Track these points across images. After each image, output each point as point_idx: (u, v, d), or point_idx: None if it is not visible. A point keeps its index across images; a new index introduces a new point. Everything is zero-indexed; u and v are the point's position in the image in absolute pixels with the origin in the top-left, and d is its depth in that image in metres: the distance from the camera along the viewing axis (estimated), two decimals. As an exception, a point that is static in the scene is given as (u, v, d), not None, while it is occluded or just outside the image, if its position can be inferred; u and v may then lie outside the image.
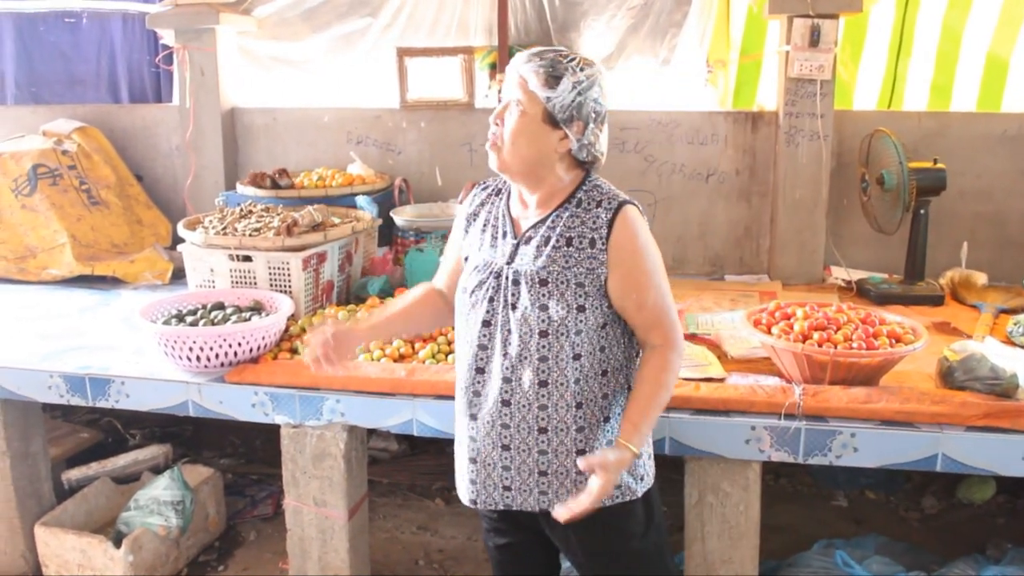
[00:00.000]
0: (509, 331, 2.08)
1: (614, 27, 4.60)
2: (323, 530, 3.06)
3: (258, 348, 3.05)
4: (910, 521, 4.00)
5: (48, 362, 3.17)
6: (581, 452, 2.09)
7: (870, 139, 3.94)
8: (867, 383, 2.70)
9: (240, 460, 4.61)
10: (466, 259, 2.25)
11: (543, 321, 2.04)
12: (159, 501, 3.49)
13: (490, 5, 4.61)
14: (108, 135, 4.92)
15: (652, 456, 2.27)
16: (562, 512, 1.98)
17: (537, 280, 2.05)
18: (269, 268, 3.37)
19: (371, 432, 4.15)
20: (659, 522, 2.29)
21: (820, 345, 2.69)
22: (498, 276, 2.11)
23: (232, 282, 3.44)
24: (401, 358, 3.04)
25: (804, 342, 2.70)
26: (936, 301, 3.80)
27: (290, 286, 3.37)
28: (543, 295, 2.04)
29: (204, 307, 3.25)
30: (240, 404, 2.96)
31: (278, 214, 3.62)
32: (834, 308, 2.91)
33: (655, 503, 2.28)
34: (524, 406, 2.09)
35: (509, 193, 2.23)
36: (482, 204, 2.26)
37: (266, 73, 5.04)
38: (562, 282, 2.04)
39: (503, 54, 4.50)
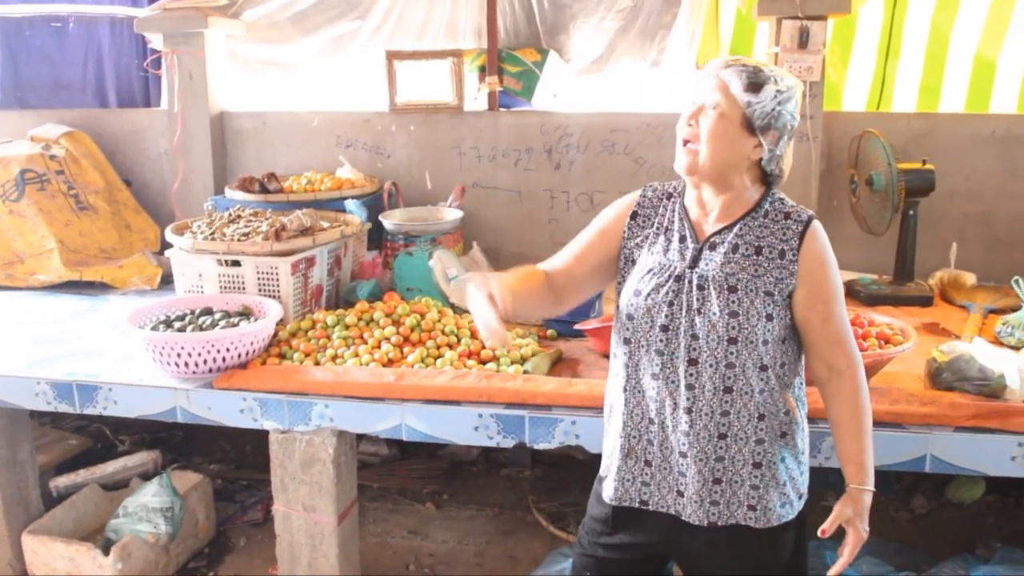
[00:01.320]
0: (694, 336, 2.03)
1: (603, 29, 4.60)
2: (313, 535, 3.05)
3: (247, 353, 3.04)
4: (900, 521, 4.01)
5: (35, 369, 3.15)
6: (757, 465, 2.07)
7: (859, 140, 3.95)
8: (856, 385, 2.70)
9: (230, 466, 4.60)
10: (626, 260, 2.19)
11: (733, 328, 2.00)
12: (148, 508, 3.47)
13: (479, 8, 4.61)
14: (96, 140, 4.91)
15: (806, 475, 2.21)
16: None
17: (726, 286, 2.02)
18: (258, 273, 3.36)
19: (361, 437, 4.15)
20: (805, 552, 2.22)
21: (809, 347, 2.69)
22: (679, 280, 2.07)
23: (220, 287, 3.43)
24: (390, 362, 3.03)
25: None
26: (925, 302, 3.81)
27: (279, 291, 3.35)
28: (732, 301, 2.01)
29: (192, 312, 3.24)
30: (229, 410, 2.94)
31: (267, 219, 3.61)
32: (823, 310, 2.92)
33: (805, 531, 2.22)
34: (707, 413, 2.05)
35: (682, 197, 2.18)
36: (651, 206, 2.21)
37: (255, 77, 5.03)
38: (751, 290, 2.02)
39: (492, 57, 4.50)
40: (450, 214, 4.19)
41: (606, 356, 3.09)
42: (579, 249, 2.26)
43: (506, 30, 4.69)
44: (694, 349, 2.03)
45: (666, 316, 2.05)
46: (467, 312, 3.48)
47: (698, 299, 2.03)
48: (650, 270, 2.11)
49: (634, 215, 2.20)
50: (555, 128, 4.44)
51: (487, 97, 4.58)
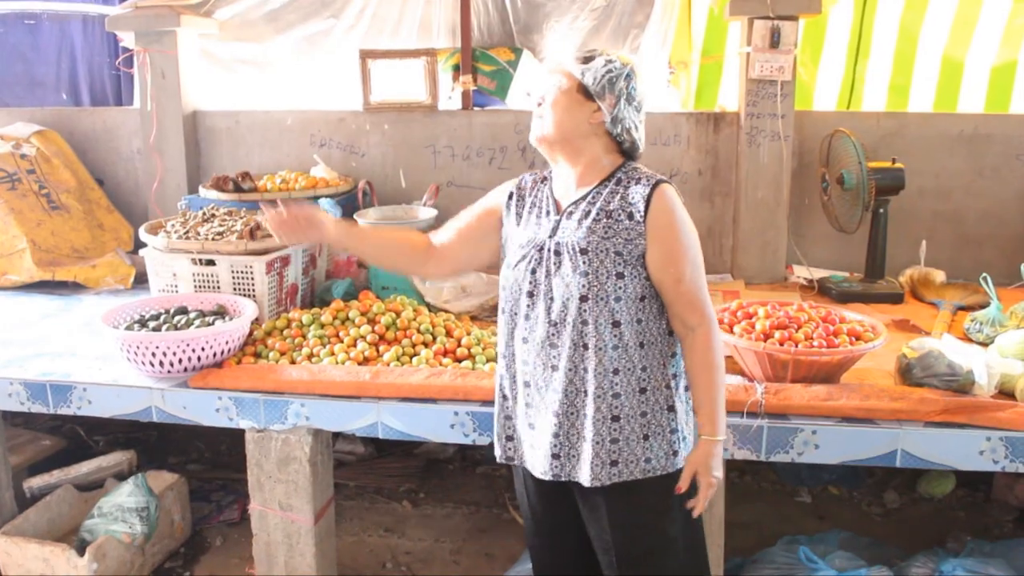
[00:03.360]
0: (552, 299, 2.19)
1: (577, 28, 4.62)
2: (289, 534, 3.05)
3: (222, 352, 3.03)
4: (872, 516, 4.05)
5: (8, 369, 3.14)
6: (616, 419, 2.18)
7: (830, 139, 3.99)
8: (828, 381, 2.73)
9: (206, 465, 4.58)
10: (506, 240, 2.37)
11: (583, 287, 2.14)
12: (123, 508, 3.45)
13: (453, 7, 4.62)
14: (68, 138, 4.88)
15: (690, 438, 2.28)
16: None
17: (578, 249, 2.16)
18: (232, 272, 3.36)
19: (337, 435, 4.15)
20: (688, 511, 2.26)
21: (781, 344, 2.73)
22: (540, 249, 2.23)
23: (195, 286, 3.42)
24: (365, 361, 3.04)
25: (766, 341, 2.75)
26: (896, 299, 3.86)
27: (254, 290, 3.35)
28: (583, 262, 2.15)
29: (167, 312, 3.23)
30: (204, 409, 2.94)
31: (241, 218, 3.60)
32: (795, 307, 2.96)
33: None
34: (570, 369, 2.18)
35: (552, 180, 2.35)
36: (528, 188, 2.39)
37: (229, 75, 5.01)
38: (601, 251, 2.15)
39: (466, 56, 4.51)
40: (424, 213, 4.19)
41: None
42: (461, 225, 2.47)
43: (480, 29, 4.70)
44: (552, 311, 2.19)
45: (530, 283, 2.23)
46: (443, 310, 3.51)
47: (555, 264, 2.19)
48: (520, 244, 2.28)
49: (511, 196, 2.39)
50: (529, 127, 4.43)
51: (461, 96, 4.60)
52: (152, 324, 3.11)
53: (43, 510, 3.58)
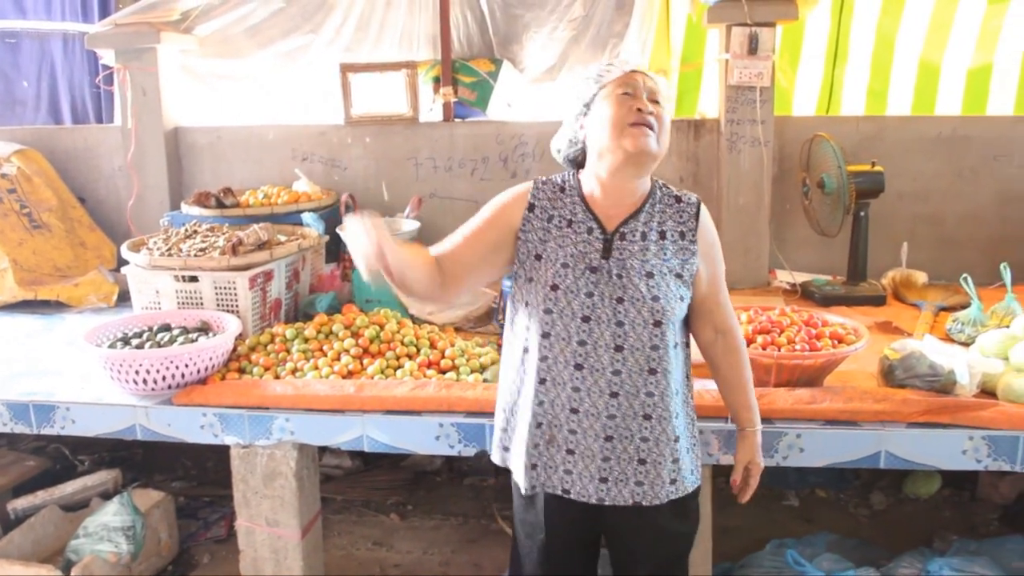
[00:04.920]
0: (618, 324, 2.10)
1: (556, 39, 4.65)
2: (276, 550, 3.04)
3: (206, 369, 3.02)
4: (859, 518, 4.07)
5: (-9, 390, 3.12)
6: (677, 439, 2.20)
7: (810, 144, 4.01)
8: (811, 384, 2.75)
9: (192, 482, 4.56)
10: (528, 254, 2.19)
11: (657, 312, 2.10)
12: (109, 527, 3.44)
13: (432, 19, 4.64)
14: (49, 157, 4.86)
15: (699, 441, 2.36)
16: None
17: (644, 272, 2.12)
18: (215, 288, 3.35)
19: (324, 449, 4.13)
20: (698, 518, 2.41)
21: (764, 348, 2.75)
22: (595, 271, 2.13)
23: (178, 303, 3.41)
24: (350, 374, 3.03)
25: (749, 346, 2.75)
26: (878, 301, 3.88)
27: (237, 305, 3.34)
28: (652, 287, 2.11)
29: (150, 329, 3.22)
30: (189, 426, 2.93)
31: (223, 233, 3.60)
32: (777, 311, 2.98)
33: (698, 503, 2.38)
34: (631, 394, 2.13)
35: (578, 189, 2.22)
36: (547, 198, 2.22)
37: (210, 91, 5.01)
38: (664, 273, 2.13)
39: (446, 68, 4.52)
40: (407, 225, 4.19)
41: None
42: (469, 235, 2.25)
43: (460, 41, 4.72)
44: (619, 336, 2.10)
45: (587, 307, 2.11)
46: (427, 322, 3.51)
47: (619, 287, 2.11)
48: (564, 264, 2.14)
49: (531, 207, 2.21)
50: (510, 137, 4.47)
51: (442, 108, 4.61)
52: (135, 342, 3.10)
53: (28, 531, 3.56)
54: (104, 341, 3.14)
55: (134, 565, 3.51)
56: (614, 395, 2.13)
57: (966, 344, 3.16)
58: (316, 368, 3.05)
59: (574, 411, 2.16)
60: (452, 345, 3.20)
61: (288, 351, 3.19)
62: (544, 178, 2.27)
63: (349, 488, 4.38)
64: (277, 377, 3.05)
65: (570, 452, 2.18)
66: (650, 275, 2.11)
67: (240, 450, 2.94)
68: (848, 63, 4.62)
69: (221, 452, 3.04)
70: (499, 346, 3.36)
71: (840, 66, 4.62)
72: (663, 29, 4.66)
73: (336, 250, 4.15)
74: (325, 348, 3.18)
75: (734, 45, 4.03)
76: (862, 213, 3.91)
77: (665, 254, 2.14)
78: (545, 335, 2.15)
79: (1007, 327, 3.03)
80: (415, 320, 3.51)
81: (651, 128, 2.07)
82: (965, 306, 3.41)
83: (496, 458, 2.37)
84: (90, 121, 5.27)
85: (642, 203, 2.18)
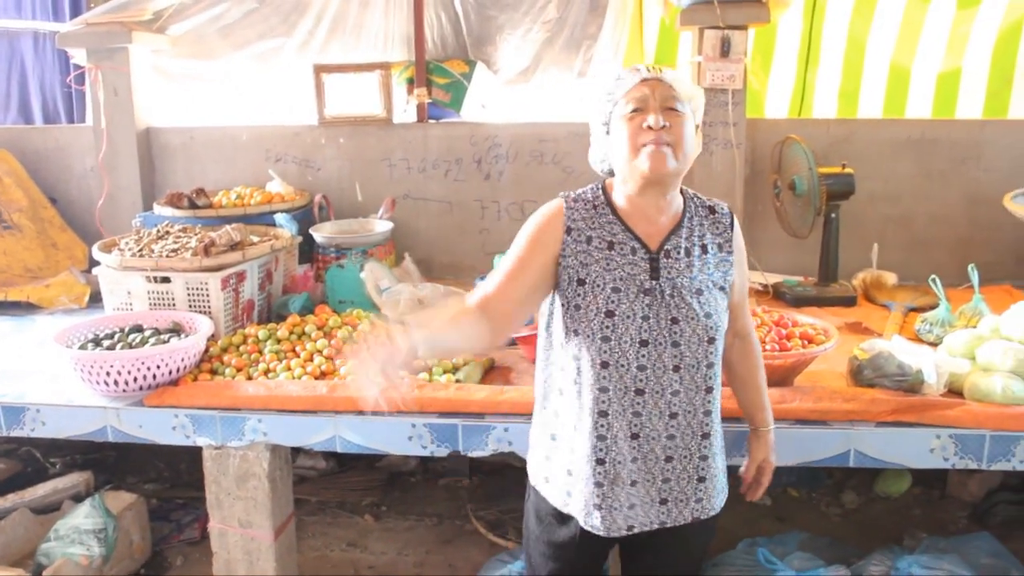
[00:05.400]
0: (675, 344, 2.05)
1: (530, 40, 4.66)
2: (249, 551, 3.03)
3: (177, 370, 3.01)
4: (831, 516, 4.11)
5: (-41, 392, 3.09)
6: (717, 455, 2.20)
7: (781, 146, 4.04)
8: (781, 384, 2.77)
9: (165, 485, 4.53)
10: (571, 280, 2.07)
11: (711, 328, 2.07)
12: (80, 530, 3.41)
13: (407, 20, 4.64)
14: (20, 157, 4.82)
15: None
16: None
17: (694, 290, 2.07)
18: (187, 289, 3.33)
19: (298, 451, 4.13)
20: None
21: (735, 348, 2.76)
22: (648, 292, 2.04)
23: (150, 304, 3.39)
24: (322, 375, 3.03)
25: (719, 346, 2.77)
26: (849, 302, 3.92)
27: (209, 306, 3.33)
28: (704, 303, 2.07)
29: (122, 330, 3.20)
30: (161, 428, 2.91)
31: (196, 234, 3.58)
32: (748, 312, 2.99)
33: None
34: (689, 412, 2.10)
35: (609, 206, 2.13)
36: (580, 219, 2.10)
37: (183, 91, 4.98)
38: (710, 288, 2.10)
39: (420, 69, 4.53)
40: (381, 226, 4.20)
41: (538, 363, 3.13)
42: (511, 271, 2.10)
43: (434, 42, 4.73)
44: (676, 356, 2.05)
45: (644, 331, 2.03)
46: (401, 324, 3.50)
47: (673, 307, 2.05)
48: (615, 288, 2.04)
49: (568, 230, 2.09)
50: (484, 139, 4.48)
51: (416, 109, 4.61)
52: (106, 343, 3.08)
53: (-2, 534, 3.53)
54: (75, 342, 3.12)
55: (106, 568, 3.49)
56: (673, 416, 2.08)
57: (935, 344, 3.20)
58: (289, 369, 3.05)
59: (634, 436, 2.08)
60: (425, 346, 3.19)
61: (261, 352, 3.19)
62: (572, 194, 2.15)
63: (323, 489, 4.37)
64: (249, 378, 3.04)
65: (634, 484, 2.10)
66: (699, 292, 2.07)
67: (212, 451, 2.94)
68: (820, 66, 4.66)
69: (194, 454, 3.03)
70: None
71: (812, 69, 4.66)
72: (636, 31, 4.68)
73: (310, 251, 4.14)
74: (298, 349, 3.18)
75: (706, 48, 4.06)
76: (833, 215, 3.94)
77: (708, 268, 2.11)
78: (604, 364, 2.05)
79: (974, 327, 3.08)
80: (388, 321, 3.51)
81: (667, 144, 1.99)
82: (934, 307, 3.45)
83: (538, 484, 2.27)
84: (61, 121, 5.23)
85: (680, 218, 2.12)
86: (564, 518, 2.20)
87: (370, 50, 4.76)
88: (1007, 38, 4.45)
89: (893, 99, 4.64)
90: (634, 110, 2.02)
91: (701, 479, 2.15)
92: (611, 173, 2.17)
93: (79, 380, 2.99)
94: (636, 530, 2.13)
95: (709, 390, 2.11)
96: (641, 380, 2.05)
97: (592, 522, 2.12)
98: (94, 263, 3.56)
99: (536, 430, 2.28)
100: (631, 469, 2.09)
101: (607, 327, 2.03)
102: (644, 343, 2.04)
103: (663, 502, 2.12)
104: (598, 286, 2.05)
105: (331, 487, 4.39)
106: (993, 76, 4.53)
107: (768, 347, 2.78)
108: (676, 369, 2.06)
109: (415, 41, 4.55)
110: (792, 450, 2.61)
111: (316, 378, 3.00)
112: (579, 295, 2.06)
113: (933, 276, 3.36)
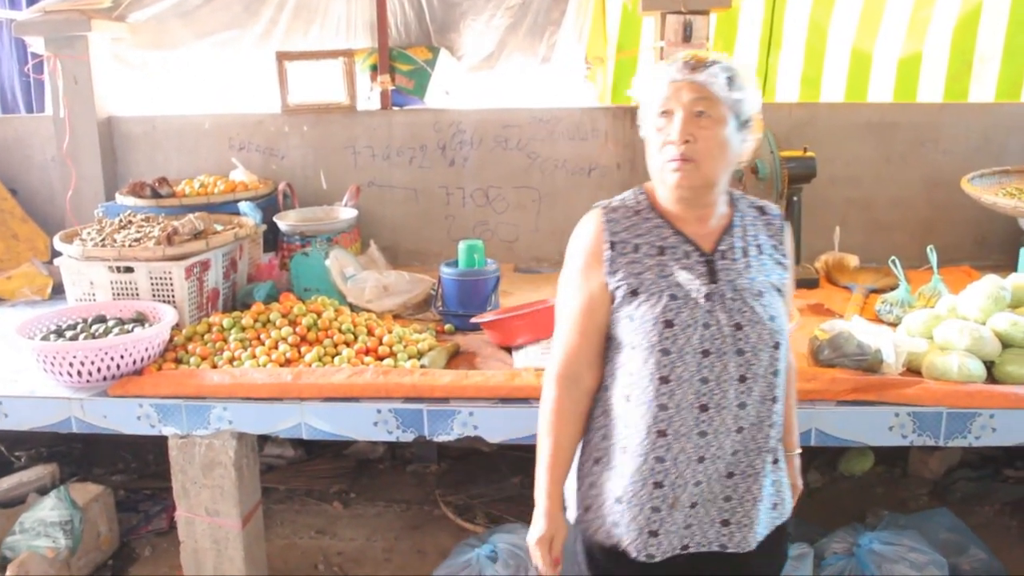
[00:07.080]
0: (739, 352, 1.89)
1: (494, 26, 4.65)
2: (217, 540, 3.03)
3: (141, 360, 3.00)
4: (796, 496, 4.15)
5: (-81, 385, 3.06)
6: (776, 463, 2.04)
7: (743, 130, 4.06)
8: (743, 365, 2.80)
9: (132, 476, 4.51)
10: (625, 293, 1.93)
11: (776, 332, 1.92)
12: (45, 523, 3.40)
13: (370, 6, 4.61)
14: (-22, 148, 4.77)
15: None
16: None
17: (754, 292, 1.93)
18: (151, 278, 3.32)
19: (266, 440, 4.12)
20: None
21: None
22: (709, 298, 1.90)
23: (113, 294, 3.37)
24: (287, 362, 3.03)
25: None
26: (812, 284, 3.96)
27: (173, 296, 3.31)
28: (766, 306, 1.93)
29: (85, 321, 3.18)
30: (125, 417, 2.90)
31: (159, 224, 3.56)
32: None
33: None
34: (755, 426, 1.94)
35: (655, 210, 2.00)
36: (623, 228, 1.97)
37: (144, 80, 4.93)
38: (769, 289, 1.96)
39: (383, 56, 4.51)
40: (345, 213, 4.19)
41: (504, 348, 3.16)
42: (582, 322, 1.99)
43: (397, 29, 4.71)
44: (741, 365, 1.90)
45: (706, 340, 1.88)
46: (364, 310, 3.51)
47: (736, 312, 1.91)
48: (672, 296, 1.90)
49: (612, 245, 1.95)
50: (448, 125, 4.48)
51: (380, 96, 4.60)
52: (69, 334, 3.07)
53: (-38, 528, 3.51)
54: (37, 333, 3.10)
55: (72, 560, 3.48)
56: (739, 430, 1.92)
57: (894, 325, 3.24)
58: (254, 357, 3.04)
59: (700, 460, 1.92)
60: (390, 332, 3.20)
61: (226, 340, 3.18)
62: (610, 204, 2.02)
63: (291, 477, 4.37)
64: (214, 367, 3.03)
65: (693, 506, 1.95)
66: (760, 294, 1.93)
67: (178, 440, 2.93)
68: (782, 51, 4.70)
69: (162, 444, 3.02)
70: (437, 332, 3.39)
71: (774, 54, 4.70)
72: (599, 17, 4.69)
73: (274, 239, 4.13)
74: (263, 337, 3.17)
75: (668, 33, 4.07)
76: (795, 198, 3.97)
77: (766, 269, 1.98)
78: (664, 379, 1.89)
79: (933, 308, 3.13)
80: (353, 308, 3.51)
81: (690, 160, 1.87)
82: (895, 288, 3.50)
83: (572, 516, 2.09)
84: (20, 111, 5.17)
85: (730, 218, 2.00)
86: (613, 555, 2.00)
87: (333, 37, 4.74)
88: (966, 23, 4.52)
89: (855, 84, 4.69)
90: (662, 114, 1.91)
91: (774, 506, 2.03)
92: None
93: (42, 372, 2.97)
94: (692, 550, 1.96)
95: (775, 400, 1.95)
96: (705, 394, 1.89)
97: (646, 549, 1.95)
98: (56, 254, 3.53)
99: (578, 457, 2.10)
100: (692, 492, 1.94)
101: (667, 338, 1.88)
102: (706, 353, 1.88)
103: (724, 523, 1.96)
104: (653, 295, 1.91)
105: (299, 475, 4.39)
106: (953, 60, 4.59)
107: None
108: (743, 380, 1.90)
109: (378, 28, 4.53)
110: (754, 430, 2.64)
111: (281, 365, 3.00)
112: (632, 307, 1.92)
113: (893, 258, 3.40)
